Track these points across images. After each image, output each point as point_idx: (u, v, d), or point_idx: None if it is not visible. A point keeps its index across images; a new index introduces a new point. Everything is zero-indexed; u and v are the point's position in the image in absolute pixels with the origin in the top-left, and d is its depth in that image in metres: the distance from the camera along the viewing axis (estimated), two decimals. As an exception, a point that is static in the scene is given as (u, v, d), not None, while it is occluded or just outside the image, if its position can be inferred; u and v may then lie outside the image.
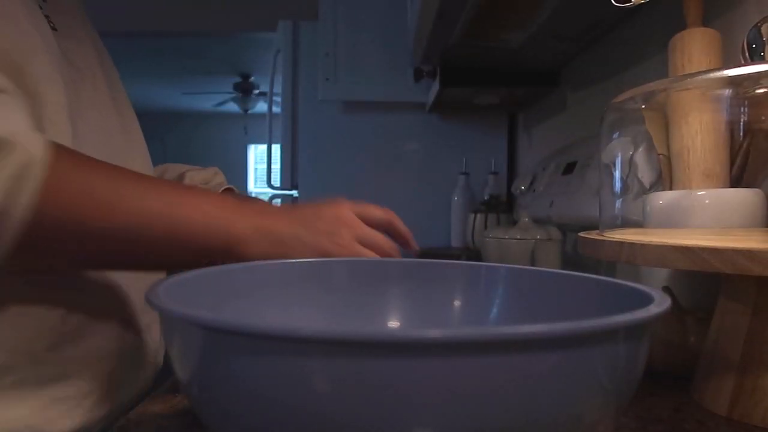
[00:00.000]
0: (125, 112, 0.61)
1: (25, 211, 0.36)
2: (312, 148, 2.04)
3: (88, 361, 0.48)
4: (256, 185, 7.43)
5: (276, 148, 2.19)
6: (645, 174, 0.59)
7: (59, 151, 0.39)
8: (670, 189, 0.57)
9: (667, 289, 0.55)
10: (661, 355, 0.53)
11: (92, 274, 0.49)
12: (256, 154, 7.46)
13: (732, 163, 0.54)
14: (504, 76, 1.51)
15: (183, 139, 6.94)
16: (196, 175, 0.72)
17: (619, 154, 0.59)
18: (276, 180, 2.18)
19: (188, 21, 3.35)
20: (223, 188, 0.73)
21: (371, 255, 0.51)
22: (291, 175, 2.11)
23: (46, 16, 0.49)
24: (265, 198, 1.74)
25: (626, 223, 0.59)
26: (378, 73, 1.90)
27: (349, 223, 0.51)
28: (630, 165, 0.59)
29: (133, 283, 0.53)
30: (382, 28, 1.89)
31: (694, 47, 0.60)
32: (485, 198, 1.78)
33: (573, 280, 0.40)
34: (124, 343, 0.53)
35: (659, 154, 0.58)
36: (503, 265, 0.45)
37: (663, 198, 0.56)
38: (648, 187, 0.58)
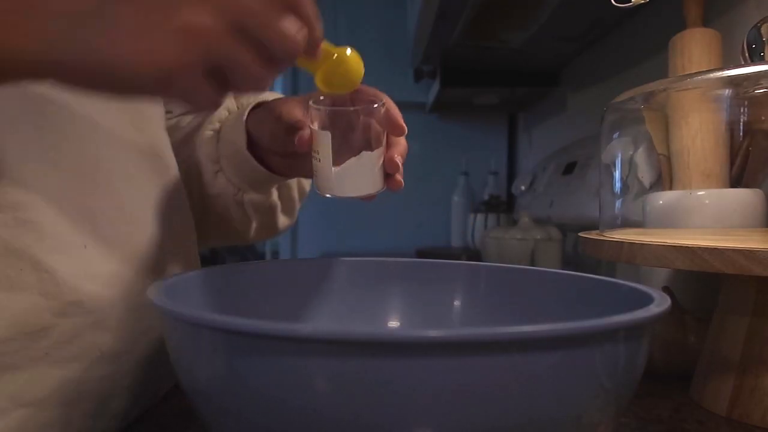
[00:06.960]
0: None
1: None
2: (312, 148, 2.03)
3: None
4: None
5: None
6: (645, 174, 0.59)
7: None
8: (670, 189, 0.57)
9: (667, 289, 0.55)
10: (661, 355, 0.53)
11: None
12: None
13: (732, 163, 0.54)
14: (504, 76, 1.51)
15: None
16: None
17: (619, 154, 0.59)
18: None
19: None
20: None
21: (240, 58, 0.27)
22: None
23: None
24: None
25: (626, 223, 0.59)
26: (378, 73, 1.89)
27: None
28: (630, 165, 0.59)
29: None
30: (382, 28, 1.89)
31: (694, 47, 0.60)
32: (485, 198, 1.78)
33: (573, 280, 0.40)
34: None
35: (659, 154, 0.58)
36: (503, 265, 0.45)
37: (663, 198, 0.56)
38: (648, 187, 0.58)
